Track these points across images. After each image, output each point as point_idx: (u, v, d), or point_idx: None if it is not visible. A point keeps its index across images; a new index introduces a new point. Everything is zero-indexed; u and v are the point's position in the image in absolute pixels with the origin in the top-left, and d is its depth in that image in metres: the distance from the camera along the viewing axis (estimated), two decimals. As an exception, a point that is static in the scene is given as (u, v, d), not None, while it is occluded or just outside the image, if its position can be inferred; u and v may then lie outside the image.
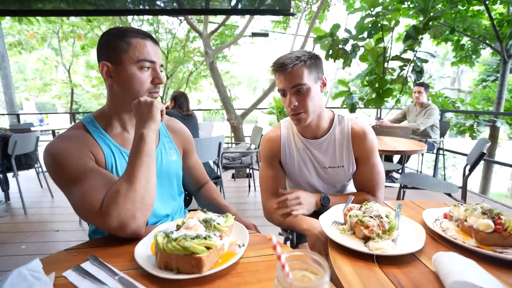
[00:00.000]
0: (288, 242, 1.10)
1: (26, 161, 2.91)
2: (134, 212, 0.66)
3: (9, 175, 2.95)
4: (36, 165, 3.11)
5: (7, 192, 3.01)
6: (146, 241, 0.65)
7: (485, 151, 1.80)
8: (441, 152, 3.73)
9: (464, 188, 1.93)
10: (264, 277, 0.55)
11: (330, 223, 0.76)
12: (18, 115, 5.82)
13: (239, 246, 0.63)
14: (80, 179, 0.69)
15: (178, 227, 0.64)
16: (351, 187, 1.13)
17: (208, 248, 0.55)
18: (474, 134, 5.17)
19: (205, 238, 0.56)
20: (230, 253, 0.61)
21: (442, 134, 3.59)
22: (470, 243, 0.65)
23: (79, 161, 0.71)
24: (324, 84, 0.94)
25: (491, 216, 0.67)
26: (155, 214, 0.86)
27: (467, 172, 1.94)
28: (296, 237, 1.10)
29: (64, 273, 0.55)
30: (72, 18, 6.59)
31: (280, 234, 1.17)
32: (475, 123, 5.18)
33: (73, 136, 0.75)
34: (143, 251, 0.61)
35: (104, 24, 6.90)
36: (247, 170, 3.26)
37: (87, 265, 0.58)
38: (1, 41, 6.99)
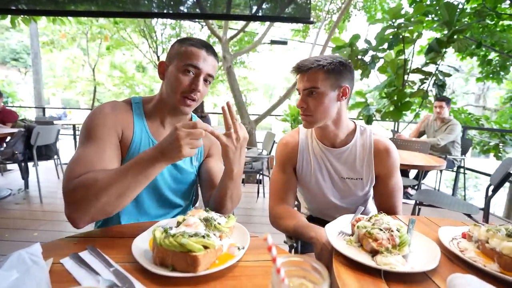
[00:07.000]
0: (293, 251, 1.06)
1: (46, 152, 3.04)
2: (90, 207, 0.63)
3: (30, 165, 3.09)
4: (55, 157, 3.24)
5: (26, 180, 3.14)
6: (146, 236, 0.64)
7: (511, 172, 1.68)
8: (461, 170, 3.53)
9: (486, 209, 1.81)
10: (261, 283, 0.52)
11: (337, 233, 0.72)
12: (43, 109, 6.13)
13: (239, 248, 0.61)
14: (89, 144, 0.71)
15: (178, 224, 0.63)
16: (365, 201, 1.07)
17: (205, 247, 0.53)
18: (500, 154, 4.87)
19: (203, 236, 0.54)
20: (229, 255, 0.59)
21: (464, 152, 3.41)
22: (491, 267, 0.59)
23: (103, 129, 0.74)
24: (344, 94, 0.90)
25: (517, 239, 0.61)
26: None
27: (490, 193, 1.81)
28: (301, 245, 1.06)
29: (61, 260, 0.55)
30: (101, 20, 6.95)
31: (284, 242, 1.13)
32: (501, 142, 4.88)
33: (117, 108, 0.80)
34: (141, 245, 0.60)
35: (129, 27, 7.22)
36: (257, 176, 3.23)
37: (85, 254, 0.58)
38: (36, 40, 7.50)
